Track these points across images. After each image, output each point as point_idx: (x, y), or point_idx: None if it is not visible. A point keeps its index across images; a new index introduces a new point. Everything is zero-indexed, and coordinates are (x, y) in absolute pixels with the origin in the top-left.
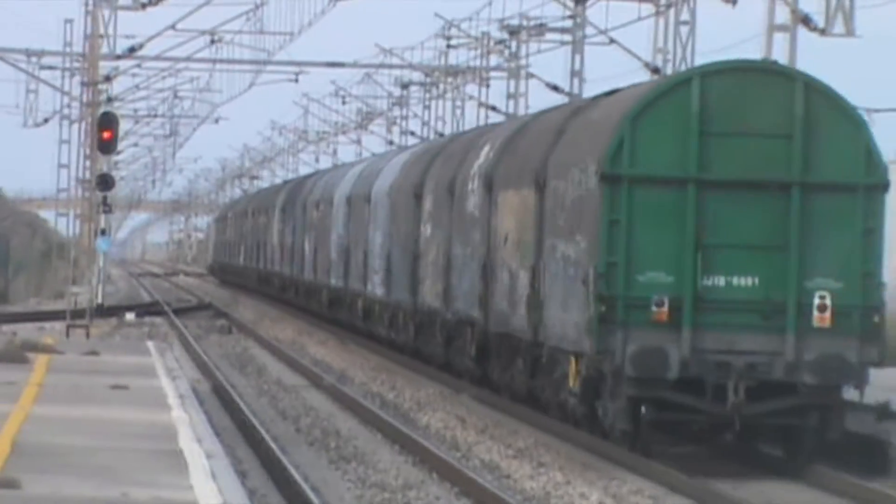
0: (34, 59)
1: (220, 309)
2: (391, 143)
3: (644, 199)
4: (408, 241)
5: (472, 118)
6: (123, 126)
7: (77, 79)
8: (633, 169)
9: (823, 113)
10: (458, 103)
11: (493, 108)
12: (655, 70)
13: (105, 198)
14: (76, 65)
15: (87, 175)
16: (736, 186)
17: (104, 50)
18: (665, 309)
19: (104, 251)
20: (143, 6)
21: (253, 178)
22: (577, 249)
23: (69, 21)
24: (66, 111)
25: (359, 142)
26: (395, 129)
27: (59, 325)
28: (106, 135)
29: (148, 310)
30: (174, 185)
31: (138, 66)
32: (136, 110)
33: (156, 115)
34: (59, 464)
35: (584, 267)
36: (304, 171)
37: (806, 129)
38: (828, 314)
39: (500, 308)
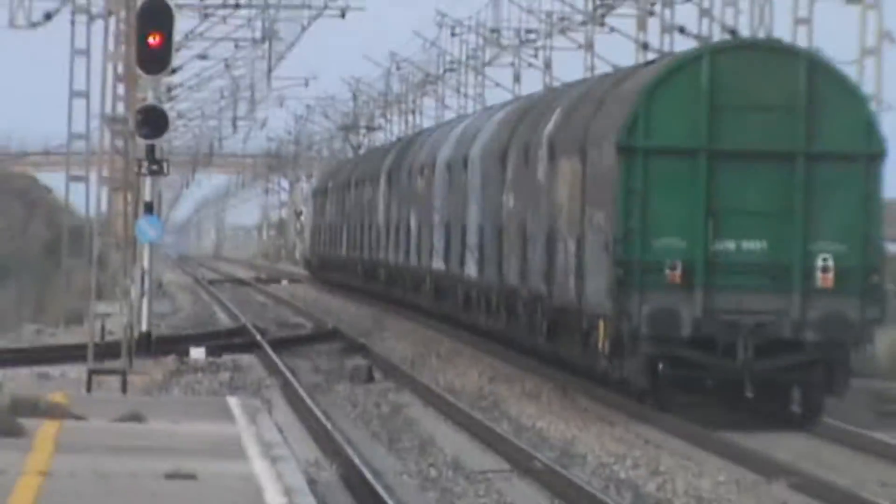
0: None
1: (353, 339)
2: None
3: (658, 169)
4: (496, 214)
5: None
6: (183, 25)
7: None
8: (647, 141)
9: (825, 88)
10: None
11: (645, 47)
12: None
13: (153, 149)
14: None
15: (120, 110)
16: (744, 156)
17: None
18: (678, 272)
19: (152, 241)
20: None
21: (370, 128)
22: (603, 217)
23: None
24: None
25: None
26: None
27: (74, 371)
28: (154, 39)
29: (229, 342)
30: (272, 128)
31: None
32: None
33: (238, 5)
34: None
35: (606, 234)
36: (427, 122)
37: (809, 103)
38: (830, 275)
39: (560, 281)
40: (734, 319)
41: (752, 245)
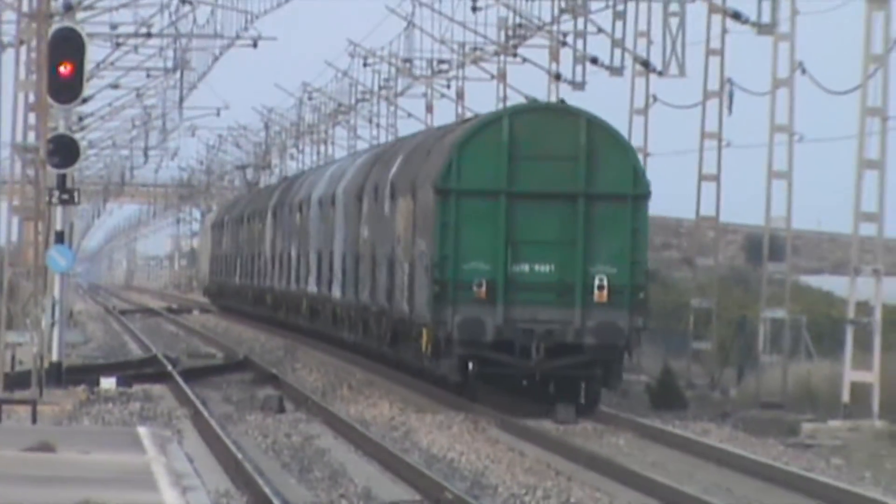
0: None
1: (264, 369)
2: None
3: (467, 207)
4: (354, 243)
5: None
6: (95, 54)
7: None
8: (459, 184)
9: (601, 141)
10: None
11: (558, 78)
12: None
13: (64, 179)
14: None
15: (32, 139)
16: (536, 197)
17: None
18: (483, 289)
19: (63, 271)
20: None
21: (262, 167)
22: (426, 245)
23: None
24: None
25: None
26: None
27: None
28: (65, 68)
29: (140, 372)
30: (183, 158)
31: None
32: (114, 26)
33: (149, 34)
34: None
35: (428, 259)
36: (339, 152)
37: (587, 154)
38: (605, 292)
39: (398, 298)
40: (529, 327)
41: (543, 268)
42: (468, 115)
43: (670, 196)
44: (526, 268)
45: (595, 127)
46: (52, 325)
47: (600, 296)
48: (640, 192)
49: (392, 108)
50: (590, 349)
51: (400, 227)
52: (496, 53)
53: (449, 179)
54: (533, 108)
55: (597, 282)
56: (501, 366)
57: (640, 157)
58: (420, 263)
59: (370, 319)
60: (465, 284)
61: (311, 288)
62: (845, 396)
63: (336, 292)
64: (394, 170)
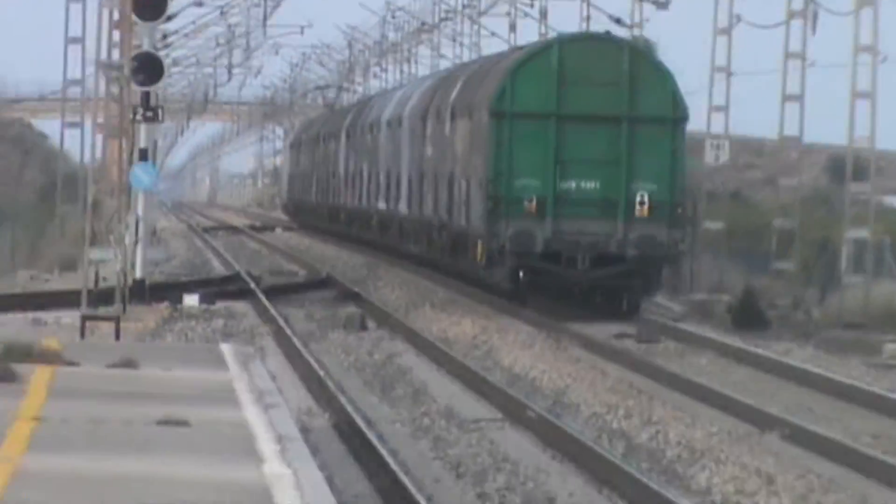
0: None
1: (346, 287)
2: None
3: (520, 128)
4: (419, 163)
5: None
6: None
7: None
8: (512, 107)
9: (642, 68)
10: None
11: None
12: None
13: (148, 96)
14: None
15: (116, 57)
16: (583, 119)
17: None
18: (534, 204)
19: (147, 188)
20: None
21: (341, 88)
22: (481, 164)
23: None
24: None
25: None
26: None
27: (68, 317)
28: None
29: (223, 289)
30: (267, 76)
31: None
32: None
33: None
34: None
35: (482, 176)
36: (423, 71)
37: (630, 80)
38: (646, 207)
39: (456, 212)
40: (575, 239)
41: (589, 185)
42: (550, 34)
43: (753, 116)
44: (573, 185)
45: (637, 55)
46: (136, 242)
47: (641, 211)
48: (679, 116)
49: (475, 27)
50: (631, 260)
51: (459, 147)
52: None
53: (503, 102)
54: (580, 38)
55: (638, 198)
56: (550, 275)
57: (724, 76)
58: (476, 180)
59: (433, 233)
60: (517, 200)
61: (381, 205)
62: None
63: (403, 208)
64: (454, 94)
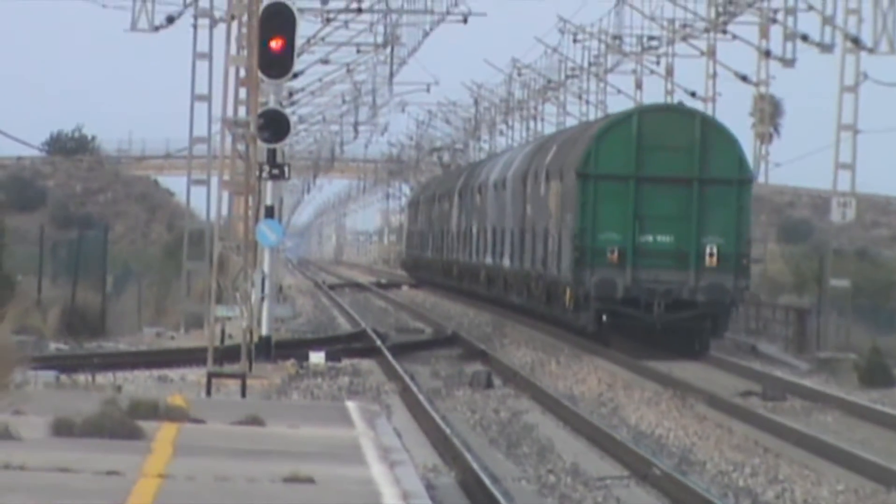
0: None
1: (472, 344)
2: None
3: (603, 188)
4: (521, 220)
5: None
6: (305, 29)
7: None
8: (596, 170)
9: (712, 135)
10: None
11: (767, 55)
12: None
13: (274, 153)
14: None
15: (242, 114)
16: (659, 180)
17: None
18: (615, 255)
19: (273, 245)
20: None
21: (457, 149)
22: (570, 219)
23: None
24: (203, 2)
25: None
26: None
27: (193, 374)
28: (276, 43)
29: (349, 346)
30: (393, 133)
31: None
32: (325, 1)
33: (360, 10)
34: None
35: (571, 230)
36: (549, 128)
37: (701, 146)
38: (715, 258)
39: (550, 263)
40: (652, 287)
41: (664, 238)
42: (676, 92)
43: (881, 174)
44: (650, 238)
45: (707, 124)
46: (262, 299)
47: (710, 261)
48: (744, 177)
49: (601, 85)
50: (701, 305)
51: (552, 205)
52: (706, 30)
53: (588, 165)
54: (657, 108)
55: (708, 250)
56: (629, 318)
57: (850, 134)
58: (565, 234)
59: (531, 283)
60: (601, 251)
61: (488, 260)
62: None
63: (507, 262)
64: (549, 158)
